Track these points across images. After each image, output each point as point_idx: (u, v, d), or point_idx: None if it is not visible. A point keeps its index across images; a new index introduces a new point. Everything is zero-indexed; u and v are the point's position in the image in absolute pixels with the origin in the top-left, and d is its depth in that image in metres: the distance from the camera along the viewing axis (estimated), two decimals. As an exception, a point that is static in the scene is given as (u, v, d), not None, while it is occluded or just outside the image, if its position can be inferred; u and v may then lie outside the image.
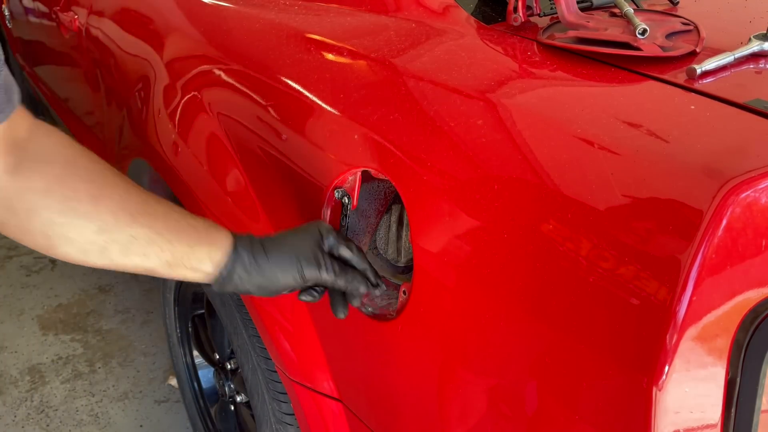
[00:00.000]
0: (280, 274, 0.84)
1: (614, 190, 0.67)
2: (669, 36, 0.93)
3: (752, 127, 0.71)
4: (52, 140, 0.77)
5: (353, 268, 0.89)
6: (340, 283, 0.87)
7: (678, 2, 1.10)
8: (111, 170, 0.80)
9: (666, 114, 0.76)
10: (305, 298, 0.89)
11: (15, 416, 1.96)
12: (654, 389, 0.61)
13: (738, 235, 0.60)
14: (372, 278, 0.89)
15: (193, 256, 0.80)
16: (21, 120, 0.74)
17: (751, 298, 0.62)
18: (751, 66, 0.85)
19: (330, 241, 0.88)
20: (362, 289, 0.88)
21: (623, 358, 0.63)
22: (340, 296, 0.90)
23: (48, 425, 1.93)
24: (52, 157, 0.76)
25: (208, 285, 0.84)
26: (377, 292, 0.90)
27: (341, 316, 0.90)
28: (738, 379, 0.62)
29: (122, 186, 0.79)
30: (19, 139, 0.74)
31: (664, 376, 0.60)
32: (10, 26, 3.02)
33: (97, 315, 2.36)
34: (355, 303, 0.90)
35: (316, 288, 0.89)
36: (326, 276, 0.85)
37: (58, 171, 0.75)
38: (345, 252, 0.88)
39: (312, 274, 0.85)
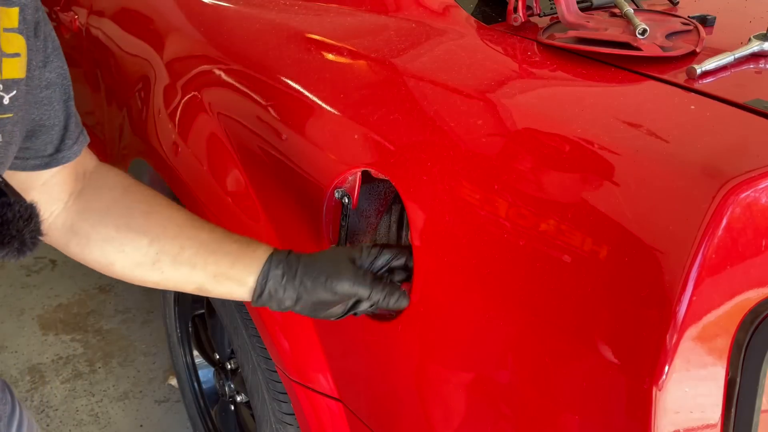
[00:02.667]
0: (316, 289, 0.83)
1: (614, 189, 0.67)
2: (669, 36, 0.93)
3: (752, 127, 0.71)
4: (113, 173, 0.87)
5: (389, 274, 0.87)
6: (375, 296, 0.83)
7: (678, 2, 1.10)
8: (161, 195, 0.87)
9: (666, 114, 0.76)
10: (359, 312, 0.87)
11: (15, 416, 1.96)
12: (654, 389, 0.61)
13: (738, 235, 0.60)
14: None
15: (235, 267, 0.83)
16: (89, 155, 0.84)
17: (751, 298, 0.62)
18: (751, 66, 0.85)
19: (364, 256, 0.85)
20: (403, 302, 0.85)
21: (623, 358, 0.63)
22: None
23: (48, 425, 1.93)
24: (111, 184, 0.85)
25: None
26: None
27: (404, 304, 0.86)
28: (738, 379, 0.62)
29: (171, 205, 0.86)
30: (87, 170, 0.84)
31: (664, 376, 0.60)
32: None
33: (97, 315, 2.36)
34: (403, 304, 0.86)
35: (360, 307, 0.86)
36: (361, 291, 0.83)
37: (117, 194, 0.84)
38: (381, 260, 0.85)
39: (345, 288, 0.82)
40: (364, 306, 0.84)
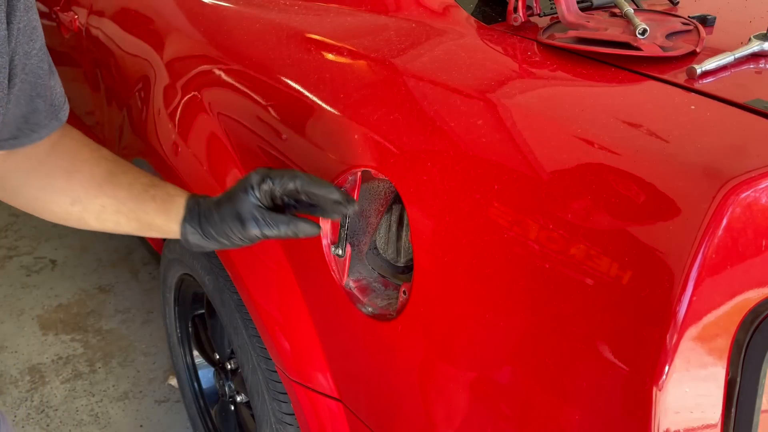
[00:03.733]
0: (229, 232, 0.86)
1: (614, 190, 0.67)
2: (669, 36, 0.93)
3: (752, 127, 0.71)
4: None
5: (309, 205, 0.87)
6: (289, 233, 0.85)
7: (678, 2, 1.10)
8: (87, 147, 0.90)
9: (666, 114, 0.76)
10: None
11: (15, 416, 1.96)
12: (654, 389, 0.61)
13: (738, 235, 0.60)
14: (339, 196, 0.85)
15: (155, 223, 0.89)
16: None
17: (751, 298, 0.62)
18: (751, 66, 0.85)
19: (264, 190, 0.85)
20: (314, 230, 0.86)
21: (623, 358, 0.63)
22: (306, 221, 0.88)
23: (48, 425, 1.93)
24: (42, 142, 0.84)
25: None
26: (350, 210, 0.86)
27: (317, 232, 0.87)
28: (738, 379, 0.62)
29: (93, 160, 0.89)
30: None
31: (664, 376, 0.60)
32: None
33: (97, 315, 2.36)
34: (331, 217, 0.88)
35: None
36: (269, 232, 0.85)
37: (42, 154, 0.85)
38: (288, 188, 0.85)
39: (254, 233, 0.85)
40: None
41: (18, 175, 0.85)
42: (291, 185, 0.84)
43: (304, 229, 0.85)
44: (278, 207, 0.87)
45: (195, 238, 0.88)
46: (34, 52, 0.75)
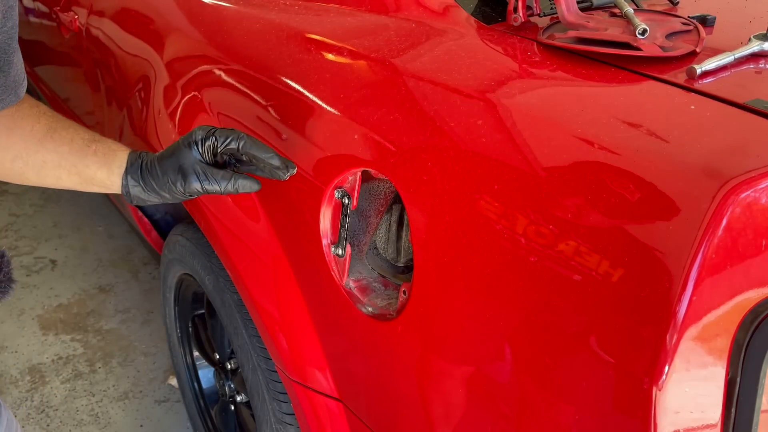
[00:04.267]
0: (171, 185, 0.89)
1: (614, 189, 0.67)
2: (669, 36, 0.93)
3: (752, 127, 0.71)
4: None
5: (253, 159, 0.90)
6: (229, 188, 0.89)
7: (678, 2, 1.10)
8: (27, 101, 0.91)
9: (666, 114, 0.76)
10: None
11: (15, 416, 1.96)
12: (654, 389, 0.61)
13: (738, 235, 0.60)
14: (278, 162, 0.89)
15: (97, 177, 0.91)
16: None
17: (751, 298, 0.62)
18: (751, 66, 0.85)
19: (206, 146, 0.89)
20: (253, 186, 0.89)
21: (623, 358, 0.63)
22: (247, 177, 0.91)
23: (48, 425, 1.93)
24: None
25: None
26: (287, 175, 0.89)
27: (256, 188, 0.91)
28: (738, 379, 0.62)
29: (34, 115, 0.90)
30: None
31: (664, 376, 0.60)
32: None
33: (97, 315, 2.36)
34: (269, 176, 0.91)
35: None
36: (210, 187, 0.88)
37: None
38: (230, 146, 0.89)
39: (195, 187, 0.88)
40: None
41: None
42: (233, 144, 0.88)
43: (244, 184, 0.89)
44: (219, 165, 0.91)
45: (136, 191, 0.90)
46: (5, 30, 0.79)
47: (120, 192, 0.91)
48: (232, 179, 0.88)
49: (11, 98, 0.84)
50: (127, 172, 0.90)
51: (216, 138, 0.88)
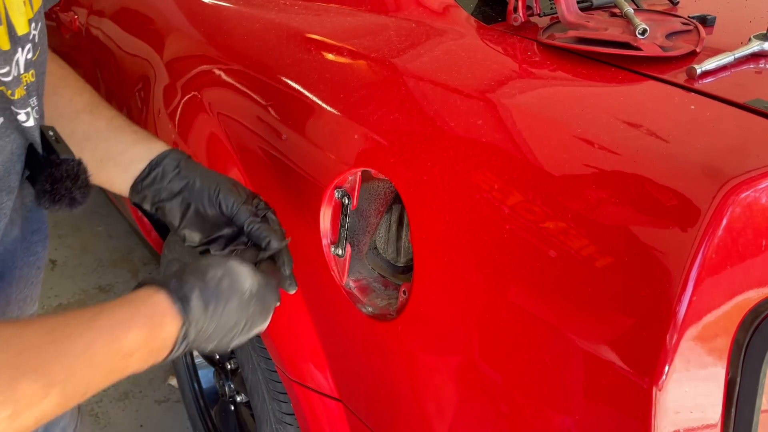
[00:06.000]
0: (203, 194, 0.83)
1: (614, 190, 0.67)
2: (669, 36, 0.93)
3: (752, 127, 0.71)
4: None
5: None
6: (249, 227, 0.83)
7: (678, 2, 1.10)
8: (73, 74, 0.89)
9: (666, 114, 0.76)
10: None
11: (15, 416, 1.96)
12: (654, 389, 0.61)
13: (738, 235, 0.60)
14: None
15: (127, 154, 0.84)
16: None
17: (751, 298, 0.62)
18: (751, 66, 0.85)
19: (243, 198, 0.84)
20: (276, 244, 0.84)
21: (623, 358, 0.63)
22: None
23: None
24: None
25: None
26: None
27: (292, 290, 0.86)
28: (738, 379, 0.62)
29: (77, 88, 0.87)
30: None
31: (664, 376, 0.60)
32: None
33: (97, 315, 2.36)
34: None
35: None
36: (242, 213, 0.82)
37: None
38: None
39: (229, 203, 0.82)
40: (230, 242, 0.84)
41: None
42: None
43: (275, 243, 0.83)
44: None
45: (163, 170, 0.83)
46: None
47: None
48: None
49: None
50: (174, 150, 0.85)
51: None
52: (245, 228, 0.82)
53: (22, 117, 0.64)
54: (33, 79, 0.65)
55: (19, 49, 0.62)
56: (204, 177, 0.84)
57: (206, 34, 1.29)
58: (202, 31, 1.31)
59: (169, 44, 1.38)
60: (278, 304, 0.78)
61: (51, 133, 0.70)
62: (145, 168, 0.83)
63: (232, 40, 1.22)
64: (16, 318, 0.73)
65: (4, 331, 0.56)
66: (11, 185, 0.65)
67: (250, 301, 0.72)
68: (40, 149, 0.68)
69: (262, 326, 0.76)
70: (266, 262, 0.80)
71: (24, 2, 0.62)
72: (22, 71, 0.62)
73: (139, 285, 0.69)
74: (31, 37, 0.64)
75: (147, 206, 0.85)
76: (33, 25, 0.64)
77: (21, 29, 0.62)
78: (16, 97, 0.62)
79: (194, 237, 0.85)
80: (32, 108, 0.65)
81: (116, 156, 0.84)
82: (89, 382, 0.60)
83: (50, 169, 0.67)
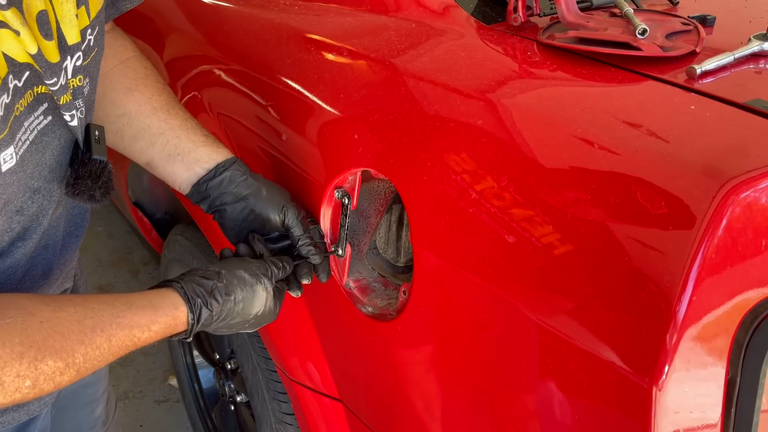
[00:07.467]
0: (259, 196, 0.91)
1: (614, 190, 0.67)
2: (669, 36, 0.93)
3: (752, 127, 0.71)
4: (119, 41, 0.94)
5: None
6: (300, 242, 0.91)
7: (678, 2, 1.10)
8: (156, 75, 0.95)
9: (666, 114, 0.76)
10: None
11: (15, 416, 1.96)
12: (654, 389, 0.61)
13: (738, 235, 0.60)
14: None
15: (195, 153, 0.90)
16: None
17: (751, 298, 0.62)
18: (751, 66, 0.85)
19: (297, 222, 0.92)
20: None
21: (623, 358, 0.63)
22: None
23: (48, 425, 1.93)
24: (112, 52, 0.91)
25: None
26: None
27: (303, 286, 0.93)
28: (738, 379, 0.62)
29: (157, 88, 0.93)
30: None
31: (664, 376, 0.60)
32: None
33: (97, 315, 2.36)
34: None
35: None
36: (297, 229, 0.91)
37: (110, 64, 0.91)
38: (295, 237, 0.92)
39: (291, 212, 0.91)
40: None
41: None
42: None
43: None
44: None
45: (232, 175, 0.90)
46: None
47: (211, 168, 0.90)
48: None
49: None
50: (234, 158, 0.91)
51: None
52: (298, 241, 0.91)
53: (67, 117, 0.70)
54: (80, 84, 0.70)
55: (68, 58, 0.67)
56: (270, 187, 0.92)
57: (206, 34, 1.29)
58: (202, 31, 1.31)
59: (169, 44, 1.38)
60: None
61: (96, 133, 0.76)
62: (211, 170, 0.90)
63: (232, 40, 1.22)
64: (57, 281, 0.83)
65: (42, 314, 0.64)
66: (62, 174, 0.73)
67: (251, 321, 0.83)
68: (81, 146, 0.74)
69: (247, 331, 0.87)
70: (282, 283, 0.88)
71: (76, 15, 0.67)
72: (69, 77, 0.68)
73: (168, 284, 0.78)
74: (83, 45, 0.69)
75: (205, 207, 0.92)
76: (89, 31, 0.70)
77: (72, 39, 0.67)
78: (62, 102, 0.68)
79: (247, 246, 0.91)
80: (77, 109, 0.71)
81: (184, 153, 0.90)
82: (101, 362, 0.69)
83: (76, 165, 0.74)
